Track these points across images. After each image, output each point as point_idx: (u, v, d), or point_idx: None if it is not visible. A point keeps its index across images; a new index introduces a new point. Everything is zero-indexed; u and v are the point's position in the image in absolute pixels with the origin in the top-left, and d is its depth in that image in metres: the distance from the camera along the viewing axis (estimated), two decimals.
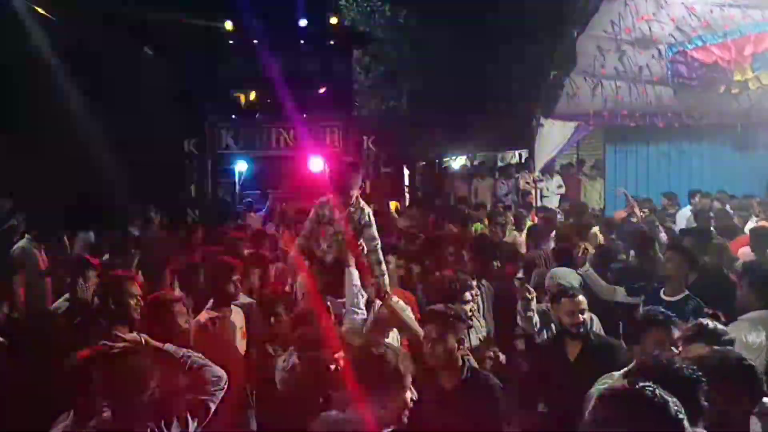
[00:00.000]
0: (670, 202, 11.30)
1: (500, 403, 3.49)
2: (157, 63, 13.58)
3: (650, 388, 1.94)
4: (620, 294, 5.50)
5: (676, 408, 1.91)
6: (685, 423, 1.90)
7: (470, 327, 4.47)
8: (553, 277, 5.31)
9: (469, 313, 4.39)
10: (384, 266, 4.99)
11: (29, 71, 10.85)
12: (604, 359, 3.92)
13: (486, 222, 10.17)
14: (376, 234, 5.07)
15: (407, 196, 15.97)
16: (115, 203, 10.70)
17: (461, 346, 3.61)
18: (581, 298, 4.26)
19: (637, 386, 1.96)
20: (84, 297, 5.20)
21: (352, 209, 5.03)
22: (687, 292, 4.90)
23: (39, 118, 10.89)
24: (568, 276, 4.92)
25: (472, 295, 4.53)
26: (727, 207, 10.20)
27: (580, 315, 4.18)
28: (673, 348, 3.50)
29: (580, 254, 5.92)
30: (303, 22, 15.59)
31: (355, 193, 5.07)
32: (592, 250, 6.73)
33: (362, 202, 5.14)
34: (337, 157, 14.38)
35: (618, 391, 2.01)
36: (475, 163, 16.73)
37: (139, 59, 13.37)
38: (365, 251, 4.97)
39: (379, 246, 5.04)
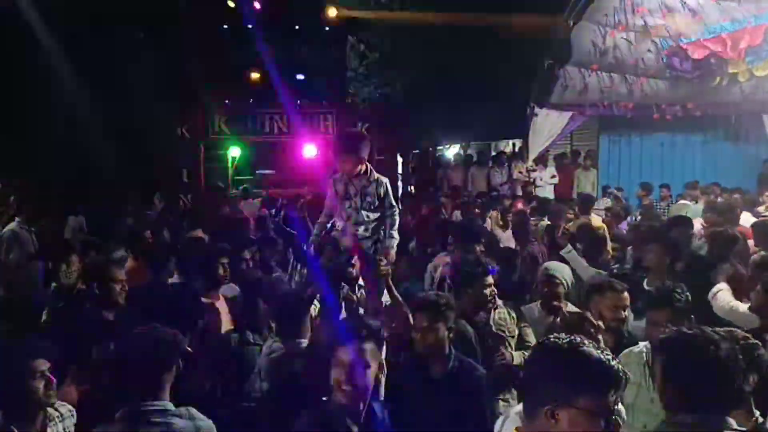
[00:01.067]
0: (645, 192, 11.29)
1: (485, 393, 3.49)
2: (149, 46, 13.47)
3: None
4: (602, 276, 5.49)
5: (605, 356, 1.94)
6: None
7: (495, 307, 4.46)
8: (547, 269, 5.29)
9: (490, 297, 4.36)
10: (396, 231, 5.03)
11: (21, 54, 10.75)
12: None
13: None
14: (394, 202, 5.10)
15: (400, 184, 15.96)
16: (106, 187, 10.65)
17: (451, 335, 3.60)
18: (626, 294, 4.09)
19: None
20: (68, 282, 5.18)
21: (366, 182, 4.95)
22: (669, 283, 4.91)
23: (30, 101, 10.82)
24: (562, 270, 4.89)
25: (494, 278, 4.47)
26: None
27: (623, 311, 4.06)
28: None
29: (559, 235, 5.93)
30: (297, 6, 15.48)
31: (364, 162, 4.94)
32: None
33: (376, 173, 5.05)
34: (332, 141, 14.37)
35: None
36: (469, 151, 16.73)
37: (131, 41, 13.26)
38: (382, 216, 5.00)
39: (396, 212, 5.07)
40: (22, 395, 2.75)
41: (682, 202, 10.60)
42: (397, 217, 5.07)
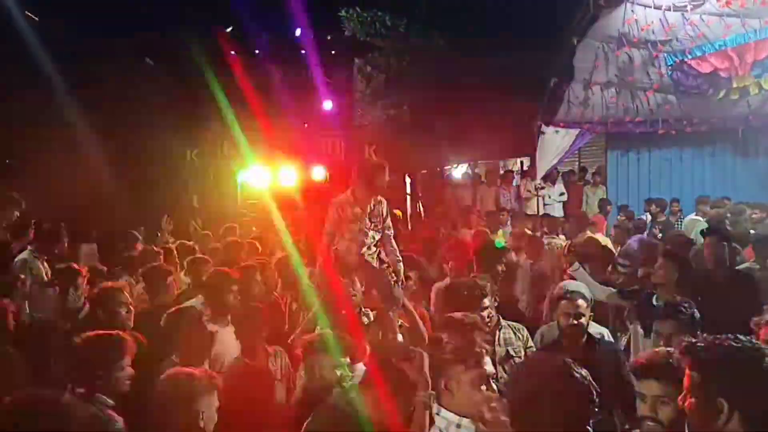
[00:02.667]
0: (658, 209, 11.24)
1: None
2: (158, 72, 13.63)
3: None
4: (612, 295, 5.49)
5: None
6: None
7: (500, 327, 4.46)
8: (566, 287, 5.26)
9: (487, 320, 4.31)
10: (397, 251, 5.23)
11: (30, 82, 10.89)
12: (606, 364, 3.92)
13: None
14: (390, 223, 5.30)
15: (409, 204, 15.98)
16: (116, 213, 10.72)
17: None
18: (581, 302, 4.21)
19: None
20: (75, 306, 5.22)
21: (373, 204, 5.14)
22: (678, 298, 4.89)
23: (41, 130, 10.94)
24: (580, 288, 4.87)
25: (490, 301, 4.45)
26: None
27: (576, 318, 4.15)
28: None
29: (565, 252, 5.91)
30: (303, 32, 15.63)
31: (382, 191, 5.21)
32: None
33: (379, 195, 5.25)
34: (339, 166, 14.45)
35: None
36: (477, 170, 16.75)
37: (140, 69, 13.42)
38: (381, 238, 5.16)
39: (392, 231, 5.27)
40: None
41: (694, 217, 10.56)
42: (392, 237, 5.27)
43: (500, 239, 9.37)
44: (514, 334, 4.51)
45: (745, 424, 2.06)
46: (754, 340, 2.33)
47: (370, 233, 5.09)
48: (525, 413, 2.05)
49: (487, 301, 4.37)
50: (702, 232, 6.36)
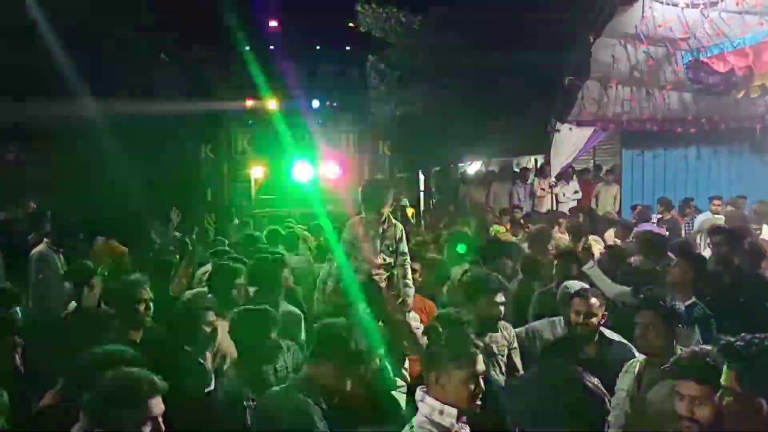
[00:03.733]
0: (664, 208, 11.13)
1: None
2: (173, 68, 13.70)
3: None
4: (625, 294, 5.44)
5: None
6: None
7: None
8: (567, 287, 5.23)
9: (501, 315, 4.34)
10: (411, 281, 5.12)
11: (45, 79, 10.96)
12: (619, 364, 3.90)
13: (508, 226, 10.11)
14: (406, 249, 5.21)
15: (422, 200, 15.98)
16: (131, 208, 10.77)
17: None
18: (594, 300, 4.18)
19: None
20: (89, 304, 5.23)
21: (385, 226, 5.13)
22: (694, 299, 4.85)
23: (55, 126, 11.01)
24: (572, 288, 4.85)
25: (504, 295, 4.43)
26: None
27: (587, 317, 4.12)
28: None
29: (580, 249, 5.86)
30: (318, 28, 15.68)
31: (387, 210, 5.16)
32: (600, 248, 6.73)
33: (393, 219, 5.26)
34: (352, 162, 14.48)
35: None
36: (491, 167, 16.72)
37: (156, 64, 13.49)
38: (394, 264, 5.10)
39: (408, 261, 5.17)
40: None
41: (705, 216, 10.47)
42: (408, 267, 5.17)
43: (500, 228, 9.40)
44: (500, 332, 4.47)
45: None
46: None
47: (381, 255, 5.08)
48: (536, 426, 2.02)
49: (501, 297, 4.33)
50: (709, 231, 6.32)
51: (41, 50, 10.86)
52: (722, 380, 2.25)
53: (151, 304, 4.35)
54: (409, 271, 5.17)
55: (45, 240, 7.54)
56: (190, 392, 3.50)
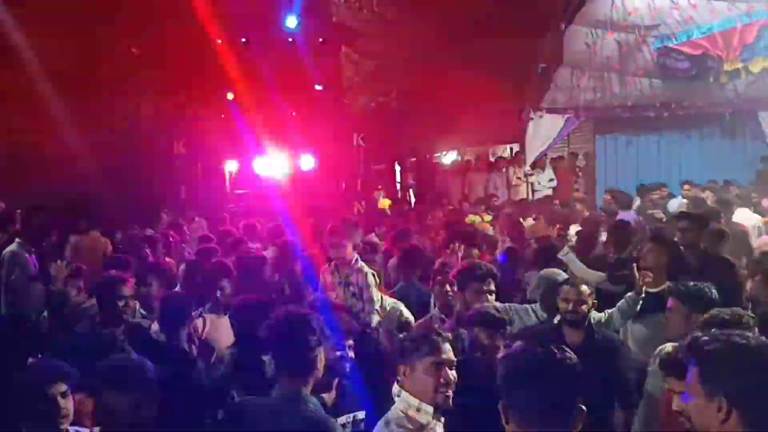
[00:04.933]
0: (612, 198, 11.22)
1: None
2: (145, 62, 13.50)
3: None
4: (600, 279, 5.48)
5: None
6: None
7: None
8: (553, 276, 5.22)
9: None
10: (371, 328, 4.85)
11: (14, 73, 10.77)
12: (605, 352, 3.94)
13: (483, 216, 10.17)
14: (374, 296, 4.97)
15: (399, 192, 15.98)
16: (104, 206, 10.64)
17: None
18: (584, 288, 4.18)
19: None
20: (74, 301, 5.19)
21: (349, 271, 5.03)
22: (668, 283, 4.91)
23: (25, 121, 10.83)
24: (557, 275, 4.87)
25: (495, 284, 4.40)
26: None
27: (577, 304, 4.12)
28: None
29: (555, 235, 5.90)
30: (291, 20, 15.52)
31: (350, 251, 5.07)
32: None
33: (360, 262, 5.12)
34: (328, 154, 14.44)
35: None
36: (467, 157, 16.76)
37: (126, 59, 13.28)
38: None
39: (374, 311, 4.93)
40: (41, 420, 2.81)
41: (678, 201, 10.61)
42: (375, 317, 4.91)
43: (476, 218, 9.46)
44: None
45: (744, 424, 1.96)
46: (761, 336, 2.23)
47: (349, 301, 4.96)
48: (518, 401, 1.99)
49: (493, 285, 4.32)
50: (675, 217, 6.40)
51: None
52: (687, 378, 2.15)
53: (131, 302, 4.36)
54: (374, 320, 4.91)
55: (17, 240, 7.42)
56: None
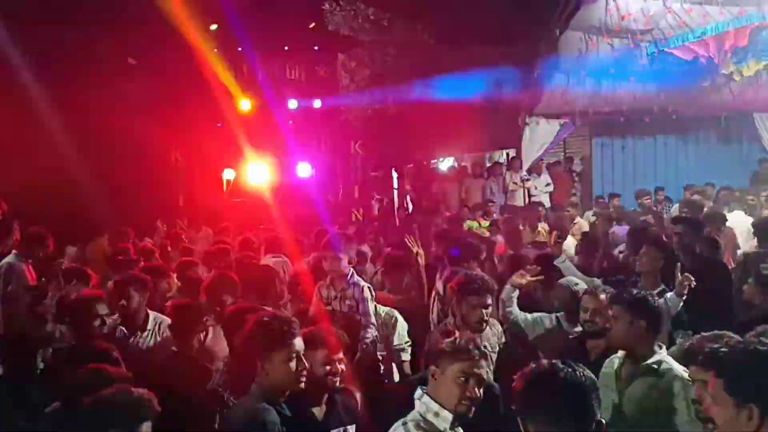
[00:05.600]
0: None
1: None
2: (140, 72, 13.53)
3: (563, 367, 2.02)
4: (597, 286, 5.48)
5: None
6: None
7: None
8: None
9: (486, 318, 4.25)
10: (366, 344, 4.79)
11: (9, 81, 10.76)
12: None
13: (480, 222, 10.21)
14: (370, 310, 4.92)
15: (396, 199, 15.98)
16: (101, 216, 10.65)
17: None
18: (603, 296, 4.13)
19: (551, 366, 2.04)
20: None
21: (345, 284, 5.00)
22: (663, 286, 4.93)
23: (20, 130, 10.83)
24: (575, 284, 4.86)
25: (492, 300, 4.35)
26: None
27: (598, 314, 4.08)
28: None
29: (552, 243, 5.90)
30: (287, 27, 15.58)
31: (345, 264, 5.05)
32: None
33: (356, 276, 5.09)
34: (325, 162, 14.47)
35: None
36: (464, 163, 16.77)
37: (122, 68, 13.31)
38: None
39: (370, 329, 4.87)
40: None
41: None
42: (370, 333, 4.83)
43: (473, 223, 9.48)
44: (490, 329, 4.45)
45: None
46: None
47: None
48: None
49: (488, 299, 4.26)
50: (672, 221, 6.44)
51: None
52: (709, 388, 2.22)
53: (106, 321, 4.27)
54: (370, 335, 4.83)
55: (13, 251, 7.41)
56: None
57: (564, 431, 1.97)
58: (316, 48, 15.75)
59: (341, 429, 3.30)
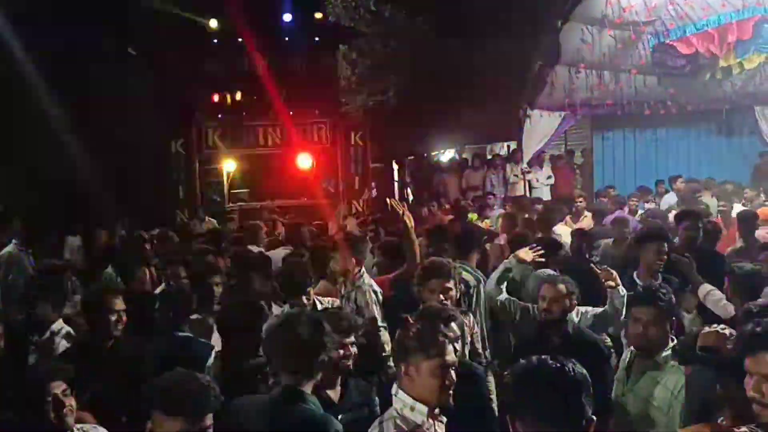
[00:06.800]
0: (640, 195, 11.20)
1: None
2: (140, 63, 13.49)
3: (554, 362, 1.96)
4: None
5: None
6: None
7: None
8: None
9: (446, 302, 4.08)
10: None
11: (11, 73, 10.75)
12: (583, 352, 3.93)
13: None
14: (376, 314, 4.76)
15: (396, 191, 15.98)
16: (102, 206, 10.66)
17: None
18: (561, 286, 4.14)
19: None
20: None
21: (351, 287, 4.90)
22: (654, 282, 4.96)
23: (22, 122, 10.83)
24: (548, 274, 4.88)
25: (454, 283, 4.22)
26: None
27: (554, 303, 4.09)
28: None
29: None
30: (287, 18, 15.52)
31: (352, 266, 4.93)
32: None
33: (363, 278, 4.92)
34: (325, 153, 14.45)
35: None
36: (465, 155, 16.77)
37: (122, 59, 13.28)
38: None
39: (380, 325, 4.73)
40: (42, 419, 2.79)
41: (671, 197, 10.63)
42: (383, 335, 4.68)
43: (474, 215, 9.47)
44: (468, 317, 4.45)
45: None
46: None
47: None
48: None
49: (450, 284, 4.16)
50: (677, 216, 6.45)
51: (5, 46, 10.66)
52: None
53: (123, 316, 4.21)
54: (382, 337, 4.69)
55: (14, 241, 7.43)
56: None
57: (552, 431, 1.89)
58: (317, 39, 15.69)
59: (356, 412, 3.33)
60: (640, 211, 9.43)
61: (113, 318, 4.12)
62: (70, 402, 2.87)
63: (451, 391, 2.73)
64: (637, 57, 11.73)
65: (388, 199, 5.75)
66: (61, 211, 9.91)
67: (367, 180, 14.74)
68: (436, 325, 2.91)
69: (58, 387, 2.84)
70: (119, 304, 4.18)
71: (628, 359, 3.56)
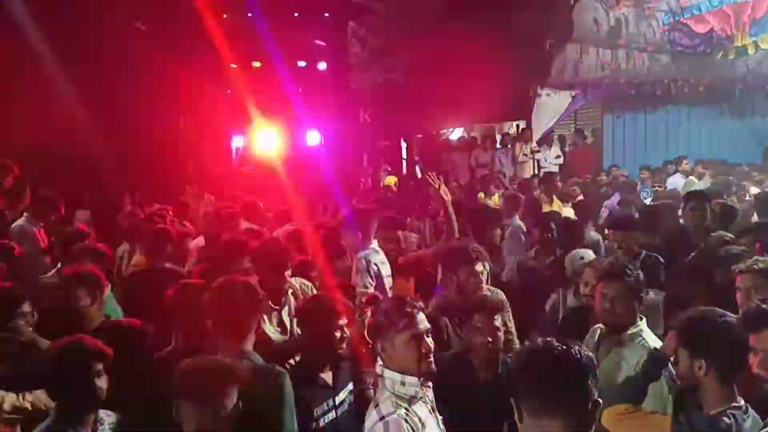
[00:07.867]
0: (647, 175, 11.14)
1: None
2: (149, 37, 13.42)
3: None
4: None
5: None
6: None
7: None
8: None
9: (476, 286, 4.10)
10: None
11: (18, 49, 10.72)
12: None
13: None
14: (365, 281, 4.82)
15: (405, 169, 15.95)
16: (109, 180, 10.68)
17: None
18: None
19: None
20: None
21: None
22: (643, 252, 5.09)
23: (30, 99, 10.81)
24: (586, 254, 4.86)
25: (484, 266, 4.22)
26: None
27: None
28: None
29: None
30: None
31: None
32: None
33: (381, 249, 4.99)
34: (334, 130, 14.42)
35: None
36: (473, 134, 16.70)
37: (130, 33, 13.22)
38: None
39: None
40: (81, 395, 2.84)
41: (676, 178, 10.57)
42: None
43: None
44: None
45: None
46: None
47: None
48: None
49: (479, 267, 4.14)
50: (684, 197, 6.41)
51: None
52: None
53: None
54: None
55: (25, 214, 7.47)
56: None
57: (558, 413, 1.85)
58: (326, 15, 15.58)
59: (347, 389, 3.43)
60: (643, 194, 9.37)
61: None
62: (102, 385, 2.91)
63: (431, 358, 2.73)
64: (650, 35, 11.60)
65: (428, 175, 5.73)
66: (68, 185, 9.92)
67: (377, 157, 14.72)
68: (402, 297, 2.92)
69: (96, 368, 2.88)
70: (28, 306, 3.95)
71: (598, 336, 3.50)
